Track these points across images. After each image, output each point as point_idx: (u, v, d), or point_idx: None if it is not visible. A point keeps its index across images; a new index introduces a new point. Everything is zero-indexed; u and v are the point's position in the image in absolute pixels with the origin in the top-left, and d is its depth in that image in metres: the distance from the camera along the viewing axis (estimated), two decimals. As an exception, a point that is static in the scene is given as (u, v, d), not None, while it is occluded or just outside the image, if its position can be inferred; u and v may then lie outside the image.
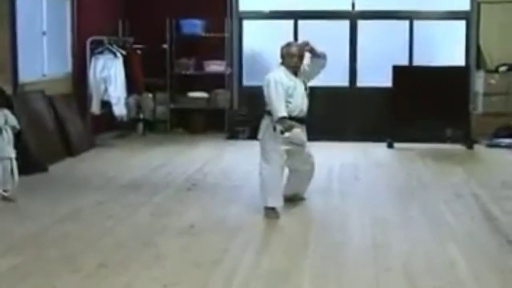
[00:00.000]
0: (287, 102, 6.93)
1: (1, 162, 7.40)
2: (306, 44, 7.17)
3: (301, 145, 7.20)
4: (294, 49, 7.07)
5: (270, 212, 6.88)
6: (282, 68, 7.07)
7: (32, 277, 5.09)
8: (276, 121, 6.83)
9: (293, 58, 7.03)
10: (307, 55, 7.20)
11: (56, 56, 10.73)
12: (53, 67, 10.60)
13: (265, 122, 7.03)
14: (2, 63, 9.08)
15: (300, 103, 7.06)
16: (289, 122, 6.83)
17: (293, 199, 7.36)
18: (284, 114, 6.80)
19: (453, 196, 7.79)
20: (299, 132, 7.10)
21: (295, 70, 7.08)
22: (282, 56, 7.11)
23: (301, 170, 7.37)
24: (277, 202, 6.95)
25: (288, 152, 7.03)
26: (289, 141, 6.99)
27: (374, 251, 5.73)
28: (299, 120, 7.07)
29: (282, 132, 6.84)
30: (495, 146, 11.19)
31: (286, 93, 6.91)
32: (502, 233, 6.29)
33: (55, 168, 9.23)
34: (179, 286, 4.95)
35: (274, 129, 6.86)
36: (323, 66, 7.31)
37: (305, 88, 7.15)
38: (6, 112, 7.47)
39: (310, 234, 6.34)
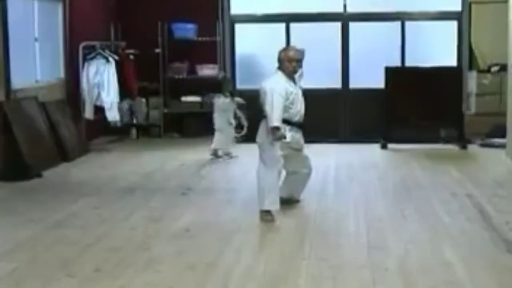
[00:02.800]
0: (288, 108, 6.91)
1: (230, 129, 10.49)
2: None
3: (299, 149, 7.22)
4: (293, 54, 7.00)
5: (266, 215, 6.88)
6: (280, 73, 6.99)
7: (28, 282, 5.09)
8: (269, 129, 6.79)
9: (291, 62, 6.95)
10: None
11: (48, 62, 10.72)
12: (46, 73, 10.58)
13: (263, 126, 6.96)
14: (-6, 69, 9.08)
15: (300, 109, 7.07)
16: (281, 132, 6.79)
17: (288, 201, 7.36)
18: (277, 124, 6.73)
19: (448, 196, 7.80)
20: (298, 137, 7.12)
21: (292, 75, 7.03)
22: (280, 61, 7.00)
23: (300, 173, 7.39)
24: (273, 205, 6.93)
25: (286, 155, 7.04)
26: (288, 146, 7.00)
27: (369, 252, 5.74)
28: (298, 125, 7.09)
29: (284, 137, 6.82)
30: (488, 146, 11.21)
31: (287, 100, 6.86)
32: (496, 232, 6.30)
33: (49, 174, 9.22)
34: (175, 289, 4.96)
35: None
36: (301, 76, 7.34)
37: (302, 94, 7.16)
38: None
39: (305, 235, 6.34)
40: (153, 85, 12.57)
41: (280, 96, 6.79)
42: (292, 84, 7.00)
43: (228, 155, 10.46)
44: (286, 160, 7.07)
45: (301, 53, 7.19)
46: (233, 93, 10.70)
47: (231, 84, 11.05)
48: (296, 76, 7.18)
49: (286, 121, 6.89)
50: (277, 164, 6.96)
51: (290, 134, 6.96)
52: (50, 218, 6.91)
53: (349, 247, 5.97)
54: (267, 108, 6.79)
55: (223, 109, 10.46)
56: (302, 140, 7.24)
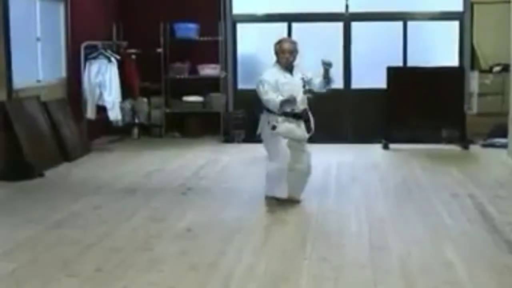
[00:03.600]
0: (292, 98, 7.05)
1: None
2: (329, 64, 7.23)
3: (299, 141, 7.26)
4: (285, 45, 7.21)
5: (273, 201, 7.21)
6: (276, 65, 7.22)
7: (29, 282, 5.08)
8: (280, 107, 6.96)
9: (284, 54, 7.16)
10: (319, 72, 7.28)
11: (50, 61, 10.71)
12: (48, 73, 10.58)
13: (263, 118, 7.21)
14: (-4, 69, 9.08)
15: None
16: (290, 98, 6.92)
17: (289, 201, 7.37)
18: (280, 99, 6.92)
19: (449, 196, 7.80)
20: (292, 127, 7.17)
21: (288, 66, 7.18)
22: (276, 53, 7.23)
23: (296, 169, 7.39)
24: (283, 193, 7.20)
25: (293, 148, 7.20)
26: (285, 136, 7.10)
27: (371, 252, 5.74)
28: (294, 115, 7.16)
29: (273, 128, 7.06)
30: (490, 146, 11.20)
31: (277, 90, 7.05)
32: (498, 232, 6.30)
33: (51, 173, 9.22)
34: (176, 289, 4.96)
35: (268, 123, 7.11)
36: (322, 88, 7.44)
37: (303, 86, 7.21)
38: None
39: (307, 235, 6.34)
40: (154, 85, 12.57)
41: (268, 84, 7.04)
42: (287, 75, 7.18)
43: None
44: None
45: (294, 44, 7.34)
46: None
47: None
48: (308, 74, 7.30)
49: (283, 112, 7.08)
50: (282, 156, 7.13)
51: (284, 125, 7.11)
52: (51, 218, 6.91)
53: (351, 247, 5.97)
54: (262, 97, 7.06)
55: None
56: (300, 131, 7.28)
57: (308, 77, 7.32)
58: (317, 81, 7.35)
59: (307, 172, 7.48)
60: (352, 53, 12.61)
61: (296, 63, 7.36)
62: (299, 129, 7.23)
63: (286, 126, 7.12)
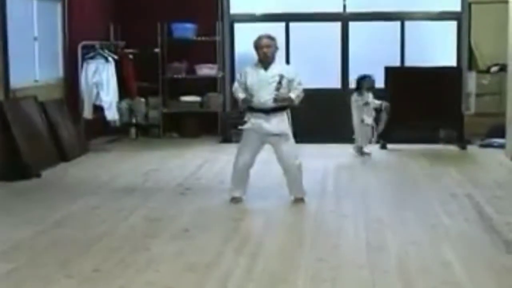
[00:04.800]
0: (250, 95, 7.32)
1: (364, 127, 10.66)
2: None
3: (267, 134, 7.34)
4: (260, 42, 7.34)
5: (232, 201, 7.53)
6: (253, 63, 7.43)
7: (27, 283, 5.07)
8: (242, 104, 7.43)
9: (262, 49, 7.32)
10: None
11: (47, 61, 10.70)
12: (45, 73, 10.56)
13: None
14: (-7, 69, 9.06)
15: (260, 96, 7.28)
16: (247, 96, 7.31)
17: (288, 202, 7.46)
18: (242, 96, 7.35)
19: (447, 196, 7.79)
20: (260, 122, 7.33)
21: (265, 61, 7.32)
22: (255, 48, 7.39)
23: (283, 167, 7.54)
24: (234, 192, 7.53)
25: (273, 146, 7.44)
26: (255, 131, 7.33)
27: (369, 253, 5.73)
28: (262, 111, 7.30)
29: (244, 123, 7.41)
30: (488, 146, 11.20)
31: (245, 84, 7.34)
32: (496, 232, 6.29)
33: (48, 174, 9.20)
34: (174, 290, 4.95)
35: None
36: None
37: (279, 82, 7.27)
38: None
39: (305, 236, 6.34)
40: (152, 84, 12.56)
41: (238, 83, 7.47)
42: (261, 72, 7.32)
43: (360, 151, 10.67)
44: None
45: (272, 40, 7.45)
46: (372, 91, 10.86)
47: (369, 82, 10.86)
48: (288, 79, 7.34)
49: (251, 108, 7.35)
50: (239, 153, 7.50)
51: (252, 120, 7.36)
52: (49, 218, 6.90)
53: (349, 247, 5.96)
54: (234, 94, 7.61)
55: (355, 107, 10.74)
56: (268, 125, 7.35)
57: (291, 78, 7.34)
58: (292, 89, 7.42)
59: (295, 167, 7.49)
60: (349, 53, 12.60)
61: (277, 60, 7.50)
62: (267, 124, 7.33)
63: (254, 121, 7.34)
